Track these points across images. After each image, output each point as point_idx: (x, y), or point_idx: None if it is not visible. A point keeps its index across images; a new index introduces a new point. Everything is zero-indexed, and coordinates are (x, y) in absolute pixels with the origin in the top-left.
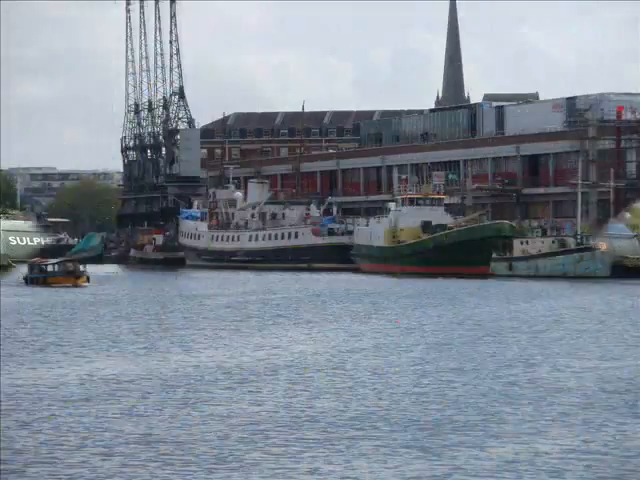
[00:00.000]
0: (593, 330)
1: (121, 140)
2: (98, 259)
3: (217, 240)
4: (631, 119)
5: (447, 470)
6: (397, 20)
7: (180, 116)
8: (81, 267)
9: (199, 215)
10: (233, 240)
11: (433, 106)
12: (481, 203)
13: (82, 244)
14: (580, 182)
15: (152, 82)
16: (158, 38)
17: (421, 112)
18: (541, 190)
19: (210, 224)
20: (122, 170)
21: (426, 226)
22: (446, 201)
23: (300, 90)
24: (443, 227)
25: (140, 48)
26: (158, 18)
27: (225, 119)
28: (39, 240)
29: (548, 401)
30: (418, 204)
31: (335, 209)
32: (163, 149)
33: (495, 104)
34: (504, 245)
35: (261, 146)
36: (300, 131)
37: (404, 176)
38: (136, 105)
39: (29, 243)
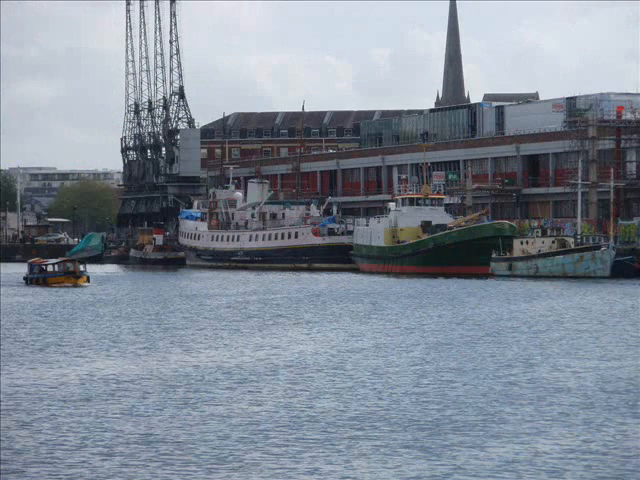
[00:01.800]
0: (593, 330)
1: (121, 140)
2: (98, 259)
3: (217, 240)
4: (631, 119)
5: (447, 470)
6: (397, 20)
7: (180, 116)
8: (81, 267)
9: (199, 215)
10: (233, 240)
11: (433, 106)
12: (481, 203)
13: (82, 244)
14: (580, 182)
15: (152, 82)
16: (158, 38)
17: (421, 112)
18: (541, 190)
19: (210, 224)
20: (122, 170)
21: (426, 226)
22: (446, 201)
23: (300, 90)
24: (443, 227)
25: (140, 48)
26: (158, 18)
27: (225, 119)
28: None
29: (548, 401)
30: (418, 204)
31: (335, 209)
32: (163, 149)
33: (495, 104)
34: (504, 245)
35: (261, 146)
36: (300, 131)
37: (404, 176)
38: (136, 105)
39: None
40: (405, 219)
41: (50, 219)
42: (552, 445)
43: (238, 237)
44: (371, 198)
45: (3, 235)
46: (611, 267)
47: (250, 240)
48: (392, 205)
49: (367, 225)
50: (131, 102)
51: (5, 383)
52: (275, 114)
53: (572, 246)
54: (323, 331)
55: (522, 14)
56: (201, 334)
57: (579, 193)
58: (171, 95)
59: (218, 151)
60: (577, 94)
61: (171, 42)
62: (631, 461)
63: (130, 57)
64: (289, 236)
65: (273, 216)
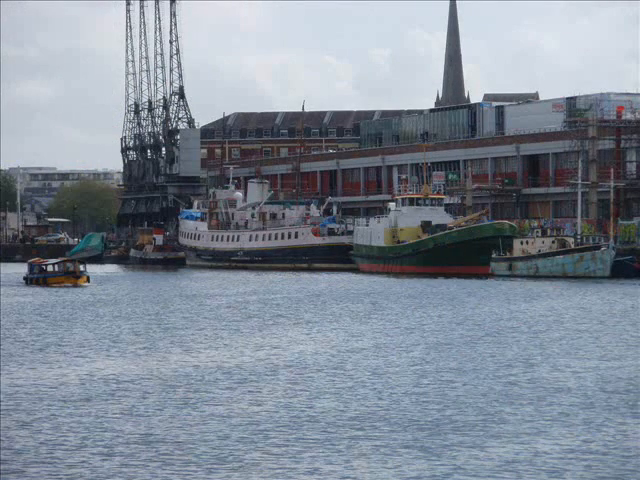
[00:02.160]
0: (593, 330)
1: (121, 140)
2: (98, 259)
3: (217, 240)
4: (631, 119)
5: (447, 470)
6: (397, 20)
7: (180, 116)
8: (81, 267)
9: (199, 215)
10: (233, 240)
11: (433, 106)
12: (481, 203)
13: (82, 244)
14: (580, 182)
15: (152, 82)
16: (158, 38)
17: (421, 112)
18: (541, 190)
19: (210, 224)
20: (122, 170)
21: (426, 226)
22: (446, 201)
23: (300, 90)
24: (443, 227)
25: (140, 48)
26: (158, 18)
27: (225, 119)
28: None
29: (548, 401)
30: (418, 204)
31: (335, 209)
32: (163, 149)
33: (495, 104)
34: (504, 245)
35: (261, 146)
36: (300, 131)
37: (404, 176)
38: (136, 105)
39: None
40: (405, 219)
41: (50, 219)
42: (552, 445)
43: (238, 237)
44: (371, 198)
45: (3, 235)
46: (611, 267)
47: (250, 240)
48: (392, 205)
49: (367, 225)
50: (131, 102)
51: (5, 383)
52: (275, 114)
53: (572, 246)
54: (323, 331)
55: (522, 14)
56: (201, 334)
57: (579, 193)
58: (171, 95)
59: (218, 151)
60: (577, 94)
61: (171, 42)
62: (631, 461)
63: (130, 57)
64: (289, 236)
65: (273, 216)
